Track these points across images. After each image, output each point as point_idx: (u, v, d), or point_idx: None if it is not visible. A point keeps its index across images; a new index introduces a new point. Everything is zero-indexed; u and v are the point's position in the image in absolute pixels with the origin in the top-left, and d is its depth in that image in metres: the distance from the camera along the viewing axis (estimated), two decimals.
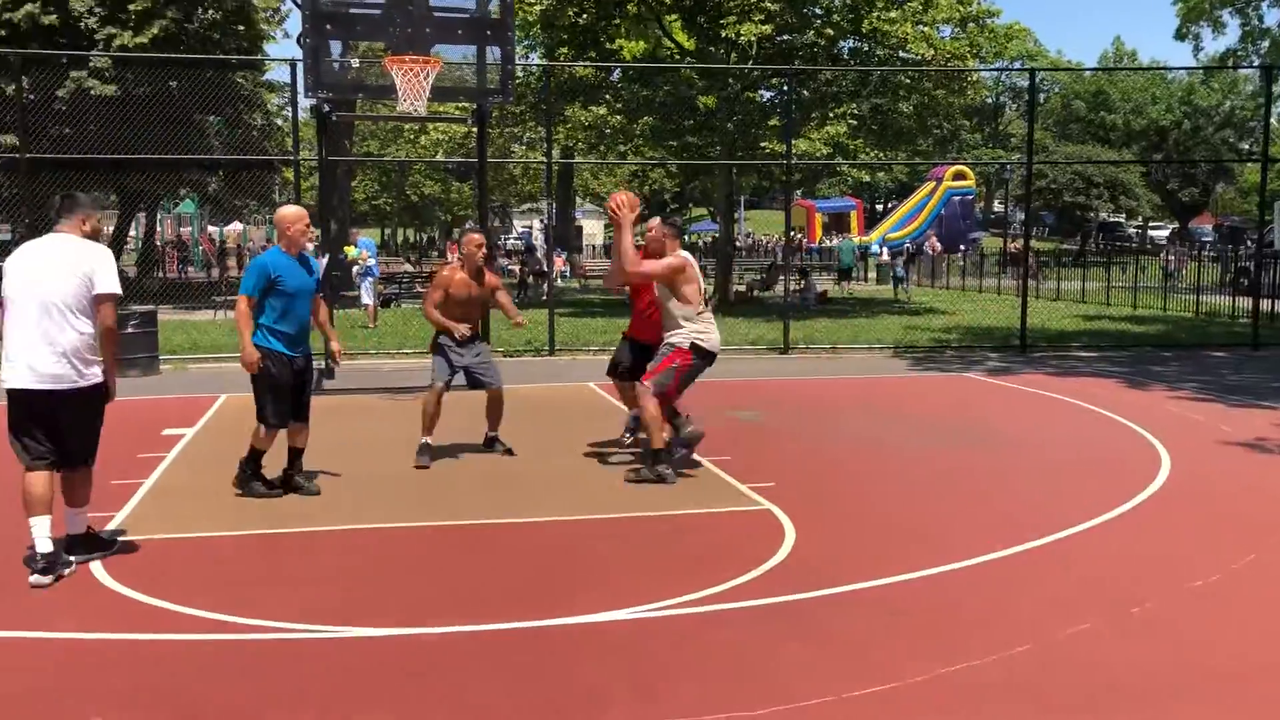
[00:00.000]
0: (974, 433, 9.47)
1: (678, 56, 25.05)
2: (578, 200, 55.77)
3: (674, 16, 24.17)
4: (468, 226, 8.03)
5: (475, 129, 13.56)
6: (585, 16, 23.43)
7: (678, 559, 5.82)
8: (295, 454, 7.19)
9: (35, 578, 5.32)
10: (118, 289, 5.54)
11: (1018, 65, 55.58)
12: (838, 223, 54.75)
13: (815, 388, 12.52)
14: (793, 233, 34.44)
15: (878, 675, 4.27)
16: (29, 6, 22.83)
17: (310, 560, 5.82)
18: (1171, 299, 24.35)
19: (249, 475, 7.05)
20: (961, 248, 41.92)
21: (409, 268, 40.89)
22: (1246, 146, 62.53)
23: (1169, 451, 8.56)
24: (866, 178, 29.02)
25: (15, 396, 5.45)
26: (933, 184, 48.30)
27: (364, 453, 8.39)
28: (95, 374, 5.51)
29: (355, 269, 20.47)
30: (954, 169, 47.40)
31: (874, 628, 4.82)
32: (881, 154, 24.55)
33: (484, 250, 8.26)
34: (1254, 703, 4.10)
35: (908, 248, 41.68)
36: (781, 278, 20.65)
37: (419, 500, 7.05)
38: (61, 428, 5.47)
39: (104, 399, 5.62)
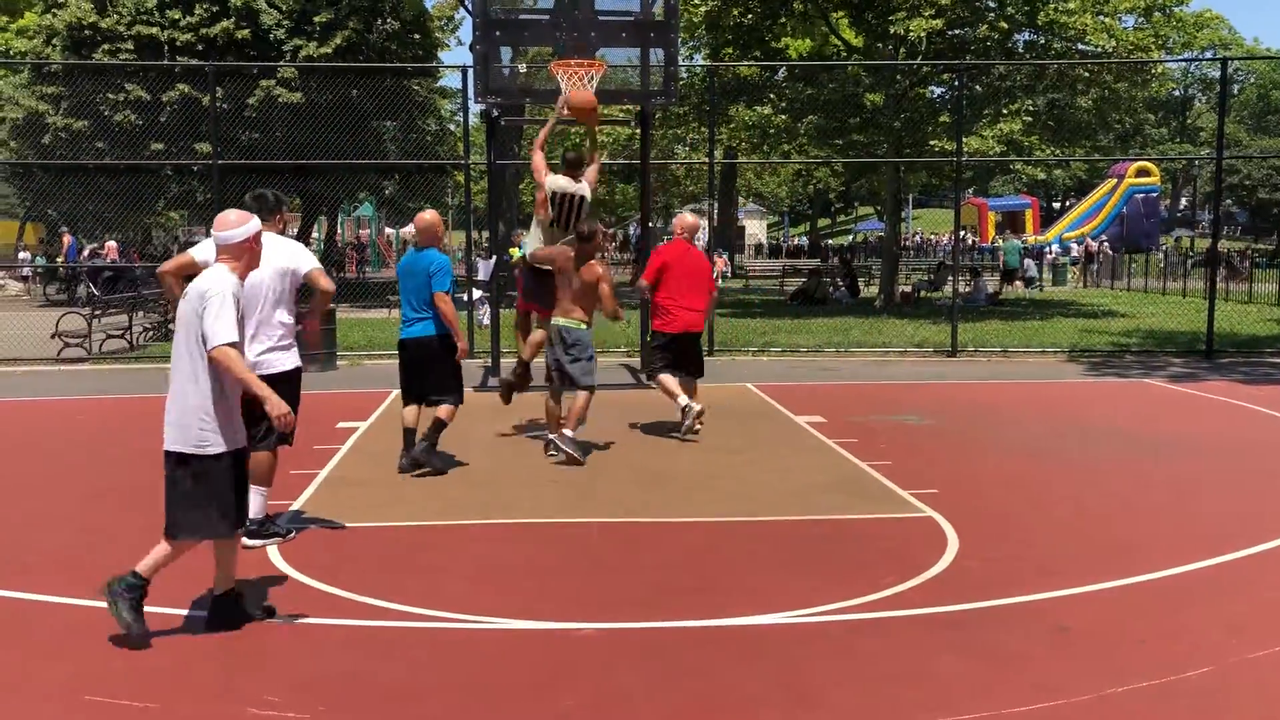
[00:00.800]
0: (1152, 441, 9.00)
1: (844, 54, 24.67)
2: (740, 200, 55.62)
3: (841, 13, 23.83)
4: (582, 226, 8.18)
5: (639, 130, 13.68)
6: (750, 16, 23.33)
7: (836, 564, 5.74)
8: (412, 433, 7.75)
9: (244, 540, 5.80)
10: (317, 261, 6.12)
11: (1208, 55, 52.67)
12: (1011, 222, 52.92)
13: (984, 391, 12.13)
14: (963, 232, 33.51)
15: (1041, 692, 4.11)
16: (224, 23, 24.29)
17: (469, 552, 5.98)
18: None
19: (434, 447, 7.57)
20: (1161, 248, 39.84)
21: None
22: None
23: None
24: (1042, 175, 27.86)
25: None
26: (1113, 181, 46.20)
27: (525, 448, 8.56)
28: (291, 360, 5.97)
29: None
30: (1137, 165, 45.22)
31: (1039, 642, 4.64)
32: (1058, 150, 23.61)
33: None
34: None
35: (1045, 249, 39.92)
36: (950, 278, 20.11)
37: (578, 496, 7.16)
38: (257, 411, 5.85)
39: (298, 385, 6.05)
